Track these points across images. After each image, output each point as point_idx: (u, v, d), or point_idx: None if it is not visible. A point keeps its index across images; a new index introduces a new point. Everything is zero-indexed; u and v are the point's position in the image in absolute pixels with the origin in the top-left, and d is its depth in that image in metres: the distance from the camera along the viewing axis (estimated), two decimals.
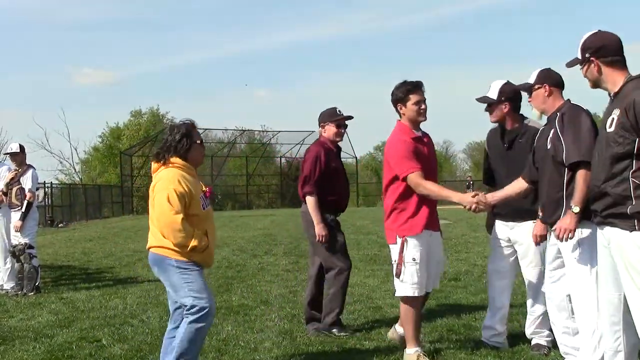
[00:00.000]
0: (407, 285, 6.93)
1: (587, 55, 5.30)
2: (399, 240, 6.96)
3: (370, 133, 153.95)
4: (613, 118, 5.07)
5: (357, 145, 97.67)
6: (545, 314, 7.12)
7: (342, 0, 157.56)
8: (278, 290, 11.56)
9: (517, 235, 7.24)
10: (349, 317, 9.13)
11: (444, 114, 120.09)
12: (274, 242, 21.14)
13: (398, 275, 6.95)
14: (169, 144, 6.39)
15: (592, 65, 5.29)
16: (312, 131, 68.34)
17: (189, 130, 6.51)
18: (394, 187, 7.07)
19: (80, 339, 8.24)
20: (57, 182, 63.22)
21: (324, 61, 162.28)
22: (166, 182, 6.24)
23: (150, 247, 6.44)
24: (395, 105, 7.15)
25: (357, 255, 16.59)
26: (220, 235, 24.84)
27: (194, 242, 6.16)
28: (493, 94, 7.19)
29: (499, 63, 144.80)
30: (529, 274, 7.26)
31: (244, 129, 73.79)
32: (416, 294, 6.93)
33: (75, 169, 78.06)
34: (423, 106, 7.02)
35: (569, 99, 6.36)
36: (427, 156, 7.15)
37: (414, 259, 6.89)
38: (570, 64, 5.51)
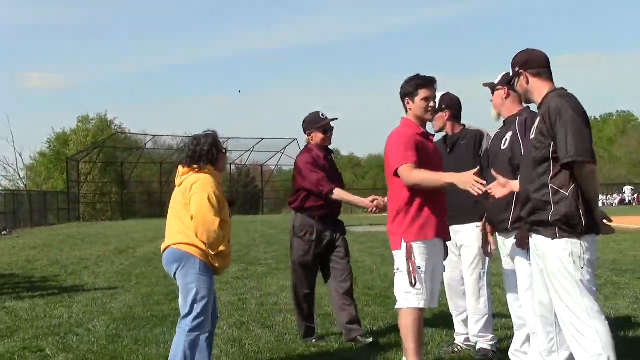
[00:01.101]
0: (411, 295, 6.22)
1: (516, 69, 5.63)
2: (404, 246, 6.26)
3: None
4: (534, 126, 5.43)
5: None
6: (488, 318, 7.25)
7: (298, 9, 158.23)
8: (227, 298, 11.48)
9: (463, 239, 7.35)
10: (296, 325, 9.07)
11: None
12: None
13: (414, 284, 6.18)
14: (198, 154, 6.66)
15: (522, 77, 5.60)
16: (262, 138, 68.84)
17: (215, 139, 6.81)
18: (398, 188, 6.36)
19: (23, 349, 8.08)
20: (0, 188, 62.40)
21: (277, 69, 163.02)
22: (205, 184, 6.51)
23: (173, 244, 6.62)
24: (403, 99, 6.58)
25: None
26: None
27: (222, 247, 6.48)
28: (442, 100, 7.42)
29: (449, 73, 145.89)
30: (471, 277, 7.36)
31: (193, 135, 73.17)
32: (421, 306, 6.26)
33: (19, 175, 77.17)
34: (432, 104, 6.51)
35: (528, 106, 6.42)
36: (431, 153, 6.53)
37: (419, 267, 6.22)
38: (505, 81, 6.30)
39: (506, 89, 6.57)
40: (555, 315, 5.41)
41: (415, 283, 6.17)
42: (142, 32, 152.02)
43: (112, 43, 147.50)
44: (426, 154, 6.38)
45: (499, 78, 6.68)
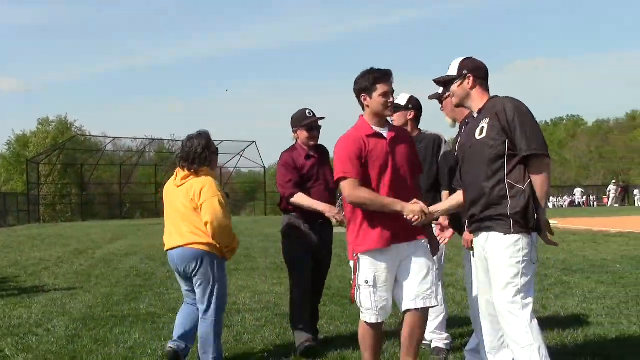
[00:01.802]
0: (362, 310, 5.98)
1: (464, 72, 5.71)
2: (354, 257, 6.00)
3: (279, 143, 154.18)
4: (483, 127, 5.50)
5: (265, 156, 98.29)
6: (445, 316, 7.31)
7: (254, 15, 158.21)
8: None
9: None
10: (256, 324, 9.10)
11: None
12: None
13: (352, 300, 6.04)
14: (192, 156, 6.94)
15: (467, 81, 5.71)
16: (221, 141, 68.51)
17: (208, 141, 7.07)
18: None
19: None
20: None
21: (234, 74, 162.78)
22: (212, 188, 6.89)
23: (188, 244, 6.89)
24: (358, 96, 6.06)
25: (264, 263, 16.63)
26: (128, 243, 24.58)
27: (234, 244, 7.10)
28: (402, 101, 7.46)
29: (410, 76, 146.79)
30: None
31: (153, 137, 73.01)
32: (372, 321, 5.93)
33: None
34: (390, 99, 6.00)
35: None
36: (381, 154, 5.92)
37: (366, 282, 5.87)
38: (439, 80, 6.04)
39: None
40: None
41: (352, 298, 6.01)
42: (102, 35, 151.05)
43: (73, 45, 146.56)
44: (375, 157, 5.91)
45: (442, 88, 6.70)
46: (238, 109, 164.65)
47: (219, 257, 6.96)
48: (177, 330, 7.16)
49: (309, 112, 7.82)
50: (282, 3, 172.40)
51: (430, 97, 7.12)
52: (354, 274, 5.92)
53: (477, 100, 5.70)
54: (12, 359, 7.57)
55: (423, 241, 6.07)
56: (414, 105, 7.54)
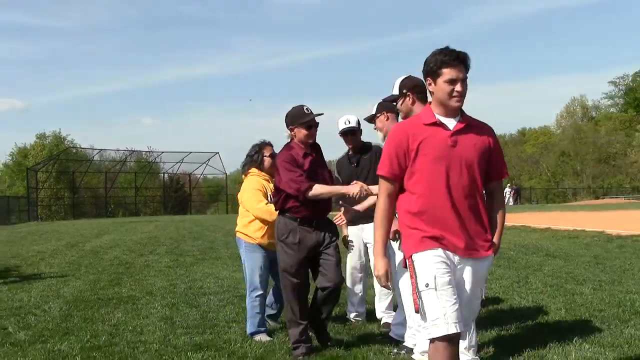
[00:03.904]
0: (428, 324, 4.06)
1: (404, 91, 5.56)
2: (407, 262, 4.24)
3: (239, 152, 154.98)
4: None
5: (227, 164, 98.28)
6: (393, 297, 7.31)
7: (217, 45, 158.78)
8: (161, 283, 11.32)
9: (368, 235, 7.13)
10: (219, 304, 9.04)
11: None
12: (157, 244, 20.72)
13: (417, 310, 4.12)
14: (244, 162, 7.17)
15: (408, 98, 5.54)
16: (190, 152, 68.41)
17: (258, 148, 7.11)
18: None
19: None
20: None
21: (201, 95, 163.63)
22: (244, 187, 7.14)
23: (236, 231, 7.38)
24: (425, 80, 4.36)
25: (226, 253, 16.53)
26: (112, 238, 24.26)
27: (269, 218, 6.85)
28: (355, 124, 7.32)
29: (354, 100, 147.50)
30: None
31: (133, 149, 72.54)
32: (443, 332, 3.98)
33: None
34: (459, 87, 4.17)
35: None
36: (439, 147, 4.16)
37: (427, 285, 4.04)
38: (385, 100, 5.95)
39: (385, 113, 6.59)
40: None
41: (418, 308, 4.11)
42: (88, 63, 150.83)
43: (66, 72, 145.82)
44: (430, 150, 4.17)
45: (375, 109, 6.68)
46: (203, 125, 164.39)
47: (250, 242, 7.10)
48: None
49: (306, 109, 6.37)
50: (235, 38, 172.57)
51: (366, 119, 7.09)
52: (412, 278, 4.14)
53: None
54: (15, 335, 7.41)
55: (486, 260, 4.27)
56: (359, 126, 7.32)
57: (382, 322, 7.39)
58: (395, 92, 5.64)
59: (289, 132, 6.40)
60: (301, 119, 6.30)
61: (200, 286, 10.85)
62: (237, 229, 7.32)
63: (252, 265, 7.09)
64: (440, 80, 4.18)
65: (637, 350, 6.01)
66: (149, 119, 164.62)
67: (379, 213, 4.29)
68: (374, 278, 7.16)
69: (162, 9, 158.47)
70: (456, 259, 4.13)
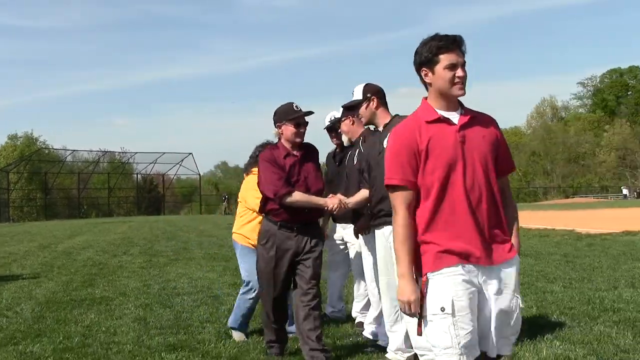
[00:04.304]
0: (435, 351, 3.51)
1: (369, 95, 5.71)
2: (420, 280, 3.57)
3: (212, 153, 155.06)
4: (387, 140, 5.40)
5: (200, 165, 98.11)
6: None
7: (191, 47, 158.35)
8: (134, 284, 11.24)
9: (349, 235, 7.10)
10: (192, 304, 8.99)
11: None
12: (131, 244, 20.61)
13: (420, 333, 3.58)
14: (247, 162, 7.04)
15: (372, 102, 5.70)
16: (163, 153, 68.27)
17: (262, 148, 6.77)
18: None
19: None
20: None
21: (175, 96, 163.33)
22: (244, 187, 7.00)
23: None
24: (419, 72, 3.67)
25: (200, 254, 16.48)
26: (85, 239, 24.08)
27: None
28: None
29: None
30: (357, 265, 7.11)
31: (106, 150, 72.17)
32: None
33: None
34: (460, 72, 3.58)
35: (368, 127, 6.52)
36: (448, 146, 3.54)
37: (442, 309, 3.43)
38: (348, 105, 5.94)
39: (350, 118, 6.62)
40: None
41: (420, 332, 3.57)
42: (62, 64, 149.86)
43: (36, 74, 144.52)
44: (439, 151, 3.56)
45: (341, 113, 6.75)
46: (177, 126, 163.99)
47: (244, 245, 6.93)
48: None
49: (296, 106, 5.94)
50: (209, 40, 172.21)
51: (332, 122, 7.14)
52: (423, 299, 3.52)
53: (382, 118, 5.71)
54: None
55: (512, 263, 3.62)
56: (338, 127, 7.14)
57: (356, 321, 7.39)
58: (358, 97, 5.79)
59: (276, 130, 5.98)
60: (289, 115, 5.87)
61: (173, 286, 10.79)
62: (233, 230, 7.14)
63: (248, 268, 6.79)
64: (438, 68, 3.59)
65: (607, 346, 6.07)
66: (123, 119, 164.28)
67: (399, 230, 3.56)
68: (356, 282, 7.13)
69: (136, 11, 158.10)
70: (480, 270, 3.50)
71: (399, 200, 3.59)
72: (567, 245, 15.97)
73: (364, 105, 5.75)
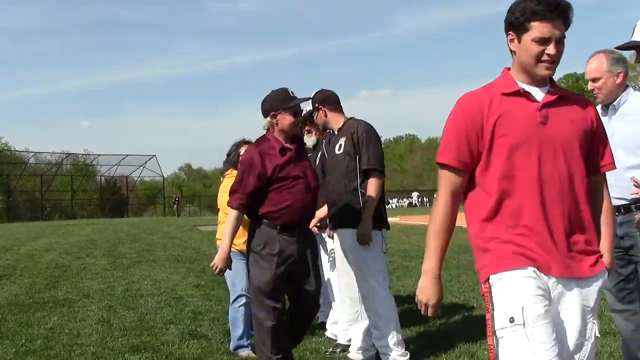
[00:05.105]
0: None
1: (316, 105, 5.78)
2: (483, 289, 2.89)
3: (176, 155, 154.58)
4: (340, 144, 5.55)
5: (164, 167, 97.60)
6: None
7: (155, 48, 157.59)
8: (98, 286, 11.14)
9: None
10: (156, 306, 8.93)
11: None
12: (94, 246, 20.41)
13: (494, 359, 2.80)
14: (225, 161, 6.57)
15: (320, 111, 5.76)
16: (127, 155, 67.79)
17: (237, 146, 6.48)
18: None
19: None
20: None
21: (139, 98, 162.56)
22: (221, 191, 6.44)
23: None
24: (506, 32, 2.94)
25: (164, 255, 16.39)
26: (48, 241, 23.78)
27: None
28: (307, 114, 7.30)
29: None
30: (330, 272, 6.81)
31: (69, 152, 71.46)
32: None
33: None
34: (552, 50, 2.82)
35: (328, 130, 6.52)
36: (523, 125, 2.84)
37: (511, 320, 2.71)
38: (304, 116, 6.00)
39: (308, 123, 6.65)
40: (358, 291, 5.61)
41: (496, 356, 2.77)
42: (24, 65, 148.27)
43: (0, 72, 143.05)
44: (510, 129, 2.84)
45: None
46: (141, 127, 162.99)
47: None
48: None
49: (291, 92, 5.11)
50: (173, 41, 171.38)
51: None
52: (488, 310, 2.83)
53: (335, 122, 5.73)
54: None
55: (595, 280, 2.89)
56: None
57: (318, 321, 7.41)
58: (312, 107, 5.87)
59: (268, 120, 5.06)
60: (287, 103, 5.02)
61: (137, 288, 10.72)
62: (217, 237, 6.52)
63: (233, 272, 5.99)
64: (526, 38, 2.84)
65: None
66: (87, 121, 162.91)
67: (437, 219, 2.99)
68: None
69: (99, 13, 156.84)
70: (551, 281, 2.78)
71: (445, 183, 2.97)
72: None
73: (315, 116, 5.86)
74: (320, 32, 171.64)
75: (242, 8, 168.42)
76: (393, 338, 5.42)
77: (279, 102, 5.02)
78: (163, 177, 69.32)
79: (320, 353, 6.21)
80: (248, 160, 4.97)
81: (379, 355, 5.61)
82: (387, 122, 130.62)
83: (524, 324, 2.67)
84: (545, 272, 2.76)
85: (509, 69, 2.99)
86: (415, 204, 78.62)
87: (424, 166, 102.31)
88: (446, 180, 2.95)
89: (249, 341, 6.27)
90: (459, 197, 2.98)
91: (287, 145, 5.04)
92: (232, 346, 6.34)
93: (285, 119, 5.00)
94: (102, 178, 72.29)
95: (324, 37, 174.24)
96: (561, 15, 2.81)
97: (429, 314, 2.97)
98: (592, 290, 2.86)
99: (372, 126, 5.61)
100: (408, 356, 5.50)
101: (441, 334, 6.83)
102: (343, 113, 5.79)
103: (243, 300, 6.25)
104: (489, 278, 2.82)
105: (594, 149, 2.97)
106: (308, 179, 5.06)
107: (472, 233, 2.98)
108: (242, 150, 6.38)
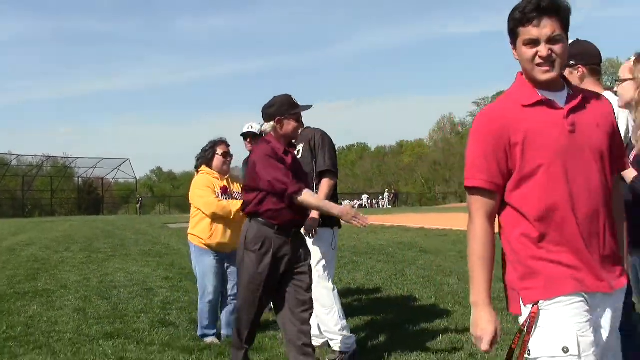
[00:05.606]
0: None
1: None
2: (525, 311, 2.43)
3: (148, 159, 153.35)
4: (299, 149, 5.53)
5: (136, 169, 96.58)
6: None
7: (132, 59, 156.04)
8: (74, 278, 10.96)
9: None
10: (128, 296, 8.82)
11: None
12: (72, 242, 20.07)
13: None
14: (197, 157, 6.25)
15: (279, 124, 5.48)
16: (102, 158, 67.14)
17: (212, 145, 6.23)
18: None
19: None
20: None
21: (114, 106, 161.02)
22: (191, 187, 6.16)
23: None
24: (510, 37, 2.54)
25: (136, 250, 16.20)
26: (29, 236, 23.32)
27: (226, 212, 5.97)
28: (257, 130, 7.20)
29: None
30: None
31: (49, 155, 70.40)
32: None
33: None
34: (543, 51, 2.42)
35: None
36: (553, 137, 2.42)
37: (565, 350, 2.30)
38: (260, 130, 5.78)
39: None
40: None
41: None
42: (8, 74, 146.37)
43: None
44: (540, 143, 2.43)
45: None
46: (117, 133, 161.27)
47: (197, 246, 6.11)
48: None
49: (294, 99, 4.89)
50: (148, 54, 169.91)
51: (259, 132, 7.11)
52: (527, 337, 2.40)
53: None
54: None
55: (622, 292, 2.56)
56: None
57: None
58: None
59: (272, 124, 4.74)
60: (293, 108, 4.78)
61: (111, 280, 10.57)
62: (188, 231, 6.30)
63: (202, 269, 6.09)
64: (519, 44, 2.49)
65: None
66: (67, 128, 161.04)
67: (479, 247, 2.49)
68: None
69: (77, 25, 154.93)
70: (593, 299, 2.43)
71: (477, 206, 2.51)
72: (463, 243, 16.30)
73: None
74: (285, 47, 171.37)
75: (211, 24, 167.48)
76: (337, 325, 5.40)
77: (285, 107, 4.76)
78: (136, 179, 68.72)
79: (278, 347, 6.19)
80: (268, 151, 4.64)
81: (328, 342, 5.57)
82: (339, 131, 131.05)
83: (579, 355, 2.31)
84: (586, 290, 2.41)
85: (522, 73, 2.56)
86: (365, 205, 78.88)
87: (373, 171, 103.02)
88: (479, 204, 2.51)
89: (214, 330, 6.23)
90: (494, 219, 2.54)
91: (287, 148, 4.80)
92: (199, 333, 6.27)
93: (290, 125, 4.75)
94: (80, 179, 71.52)
95: (288, 51, 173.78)
96: (546, 13, 2.42)
97: (483, 349, 2.46)
98: (619, 303, 2.54)
99: (326, 133, 5.66)
100: (354, 339, 5.46)
101: (388, 322, 6.86)
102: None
103: (210, 296, 6.12)
104: (537, 303, 2.40)
105: (615, 151, 2.57)
106: (303, 180, 4.77)
107: (510, 253, 2.52)
108: (219, 150, 6.21)
